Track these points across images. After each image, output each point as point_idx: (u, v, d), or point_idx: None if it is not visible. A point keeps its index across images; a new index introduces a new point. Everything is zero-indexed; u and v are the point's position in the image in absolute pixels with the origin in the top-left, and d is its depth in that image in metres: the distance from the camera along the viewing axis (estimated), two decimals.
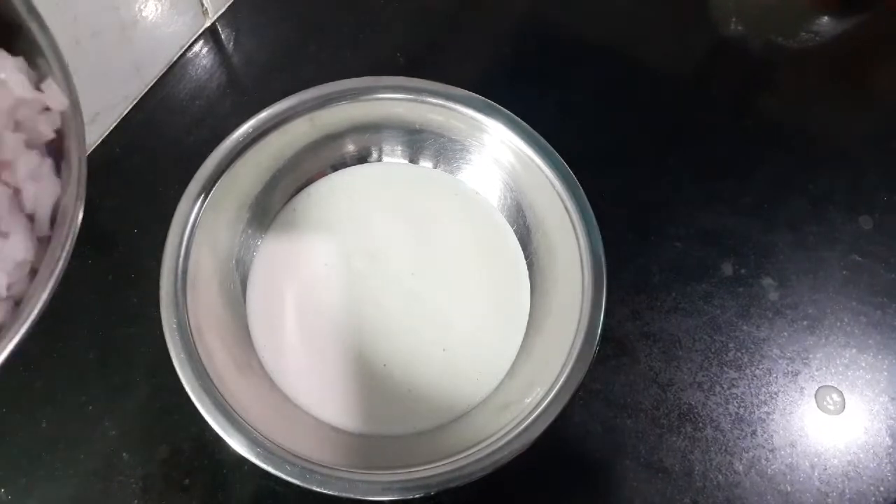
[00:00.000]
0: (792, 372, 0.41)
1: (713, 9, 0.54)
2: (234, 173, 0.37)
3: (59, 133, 0.25)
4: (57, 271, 0.23)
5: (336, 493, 0.30)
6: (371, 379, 0.38)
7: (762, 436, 0.39)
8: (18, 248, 0.23)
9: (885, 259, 0.44)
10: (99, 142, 0.43)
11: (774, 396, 0.40)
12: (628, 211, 0.44)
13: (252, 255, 0.40)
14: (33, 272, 0.24)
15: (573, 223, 0.36)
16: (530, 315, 0.40)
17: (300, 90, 0.38)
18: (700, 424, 0.39)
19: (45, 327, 0.23)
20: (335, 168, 0.43)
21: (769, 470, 0.38)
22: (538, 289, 0.40)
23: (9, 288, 0.23)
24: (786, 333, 0.42)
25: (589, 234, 0.36)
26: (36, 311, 0.22)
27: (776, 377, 0.40)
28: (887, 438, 0.39)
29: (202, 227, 0.36)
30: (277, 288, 0.40)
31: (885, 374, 0.41)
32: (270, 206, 0.41)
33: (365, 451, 0.35)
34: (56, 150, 0.25)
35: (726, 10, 0.54)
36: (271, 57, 0.48)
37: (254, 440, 0.31)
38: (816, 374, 0.41)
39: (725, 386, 0.40)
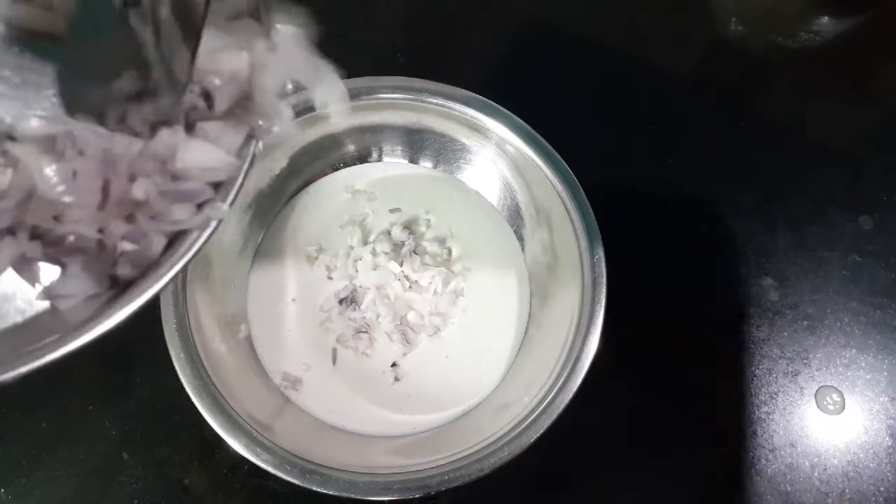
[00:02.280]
0: (792, 372, 0.41)
1: (713, 9, 0.54)
2: None
3: None
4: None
5: (336, 493, 0.30)
6: (371, 379, 0.38)
7: (762, 436, 0.39)
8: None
9: (885, 259, 0.44)
10: None
11: (774, 396, 0.40)
12: (628, 211, 0.44)
13: (252, 255, 0.40)
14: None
15: (573, 223, 0.36)
16: (530, 315, 0.40)
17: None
18: (700, 424, 0.39)
19: None
20: (335, 168, 0.43)
21: (769, 470, 0.38)
22: (538, 289, 0.40)
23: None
24: (786, 333, 0.41)
25: (589, 233, 0.36)
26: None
27: (776, 377, 0.40)
28: (887, 438, 0.39)
29: None
30: (277, 288, 0.40)
31: (885, 374, 0.41)
32: (271, 206, 0.41)
33: (365, 450, 0.36)
34: None
35: (726, 10, 0.54)
36: None
37: (254, 440, 0.31)
38: (816, 374, 0.41)
39: (726, 386, 0.40)
